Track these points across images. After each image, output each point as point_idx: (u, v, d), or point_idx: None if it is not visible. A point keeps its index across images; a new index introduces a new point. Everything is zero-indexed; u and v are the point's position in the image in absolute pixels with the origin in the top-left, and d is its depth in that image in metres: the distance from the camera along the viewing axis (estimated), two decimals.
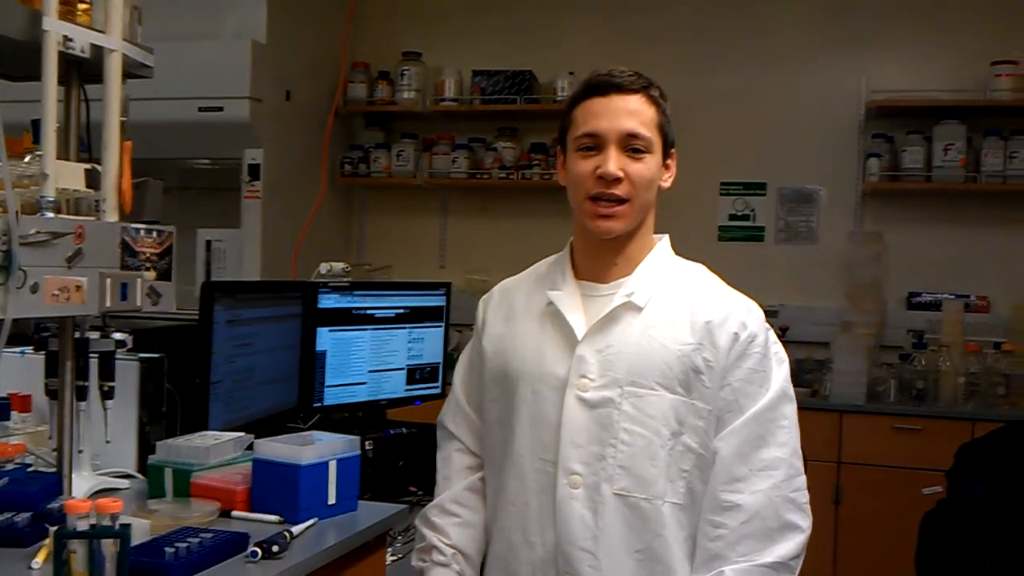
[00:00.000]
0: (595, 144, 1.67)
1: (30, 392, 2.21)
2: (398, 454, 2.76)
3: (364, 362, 2.83)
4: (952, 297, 4.66)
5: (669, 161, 1.73)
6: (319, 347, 2.70)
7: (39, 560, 1.55)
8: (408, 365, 2.95)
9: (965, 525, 2.61)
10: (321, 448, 1.96)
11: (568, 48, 5.13)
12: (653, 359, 1.65)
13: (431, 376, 3.03)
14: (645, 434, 1.63)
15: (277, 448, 1.93)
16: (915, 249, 4.72)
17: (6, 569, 1.56)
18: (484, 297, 1.91)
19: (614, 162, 1.64)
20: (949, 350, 4.35)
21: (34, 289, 1.60)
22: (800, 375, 4.77)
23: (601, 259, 1.73)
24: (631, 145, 1.66)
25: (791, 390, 1.71)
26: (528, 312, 1.78)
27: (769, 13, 4.94)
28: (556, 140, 1.79)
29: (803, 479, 1.67)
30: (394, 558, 2.23)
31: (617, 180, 1.64)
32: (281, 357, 2.61)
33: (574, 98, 1.72)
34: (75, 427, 1.92)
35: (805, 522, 1.65)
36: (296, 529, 1.81)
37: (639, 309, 1.68)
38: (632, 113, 1.66)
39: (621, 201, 1.66)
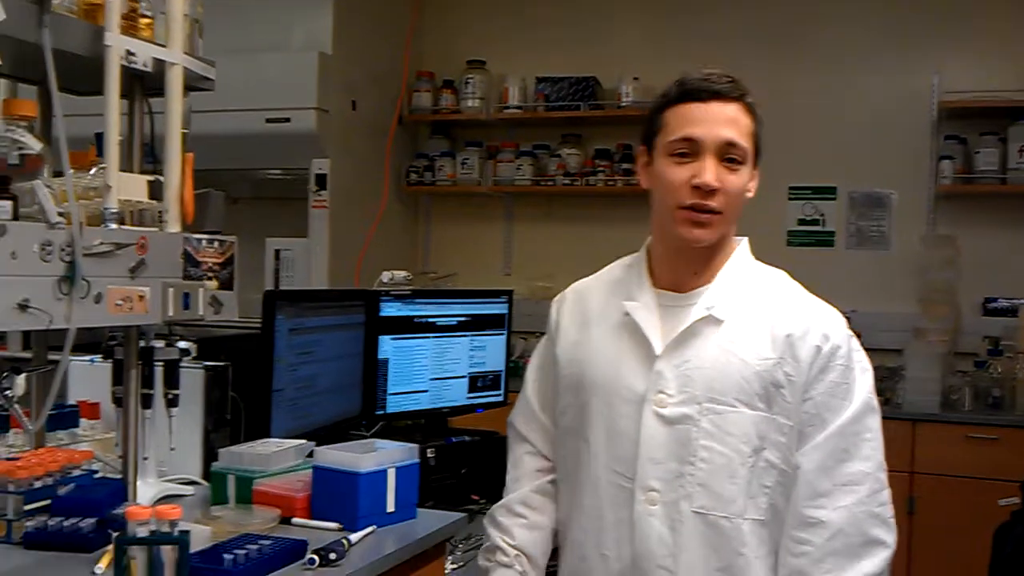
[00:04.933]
0: (691, 151, 1.60)
1: (99, 400, 2.25)
2: (460, 462, 2.76)
3: (426, 370, 2.84)
4: None
5: (756, 170, 1.68)
6: (381, 355, 2.72)
7: (102, 565, 1.59)
8: (470, 373, 2.96)
9: None
10: (380, 456, 1.97)
11: (631, 53, 5.10)
12: (732, 375, 1.60)
13: (493, 384, 3.03)
14: (724, 451, 1.59)
15: (337, 456, 1.95)
16: (990, 253, 4.60)
17: (71, 573, 1.60)
18: (557, 299, 1.86)
19: (712, 172, 1.58)
20: None
21: (97, 299, 1.64)
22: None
23: (681, 267, 1.68)
24: (728, 155, 1.60)
25: (875, 401, 1.65)
26: (603, 320, 1.73)
27: (837, 12, 4.86)
28: (641, 140, 1.71)
29: (888, 492, 1.63)
30: (455, 566, 2.23)
31: (713, 191, 1.59)
32: (344, 365, 2.63)
33: (667, 100, 1.65)
34: (140, 434, 1.96)
35: (890, 537, 1.61)
36: (354, 537, 1.82)
37: (719, 322, 1.63)
38: (731, 121, 1.61)
39: (715, 212, 1.61)
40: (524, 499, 1.82)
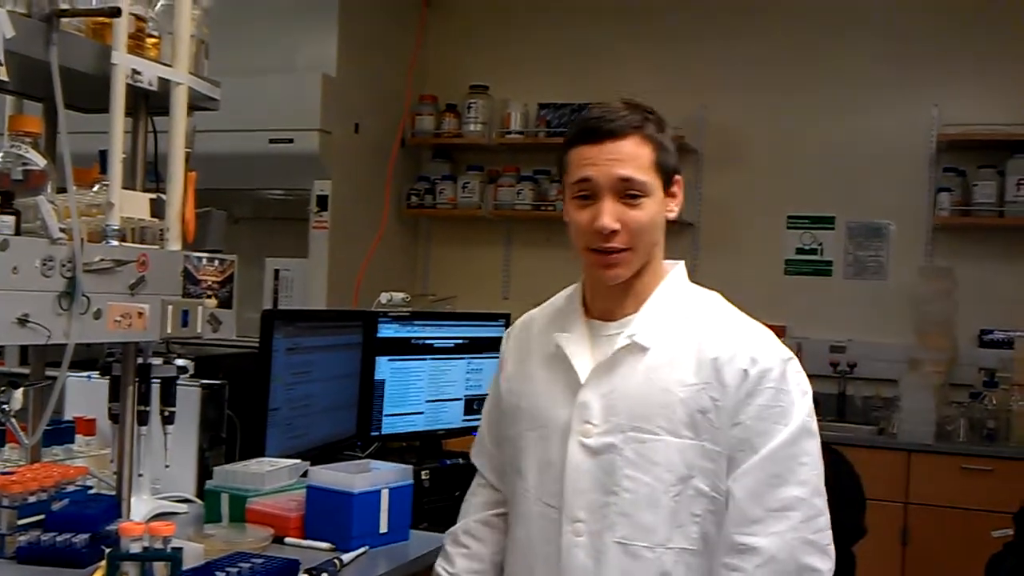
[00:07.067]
0: (590, 192, 1.60)
1: (95, 416, 2.26)
2: (454, 485, 2.76)
3: (422, 392, 2.84)
4: None
5: (674, 189, 1.66)
6: (378, 376, 2.72)
7: None
8: (466, 395, 2.96)
9: None
10: (374, 477, 1.98)
11: (633, 81, 5.12)
12: (656, 403, 1.59)
13: None
14: (648, 481, 1.57)
15: (330, 476, 1.95)
16: (987, 285, 4.61)
17: None
18: (508, 330, 1.89)
19: (608, 215, 1.58)
20: (1021, 389, 4.22)
21: (97, 315, 1.65)
22: (867, 413, 4.66)
23: (608, 297, 1.68)
24: (626, 192, 1.59)
25: (814, 424, 1.62)
26: (540, 352, 1.73)
27: (838, 45, 4.89)
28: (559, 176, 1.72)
29: (825, 519, 1.59)
30: None
31: (613, 232, 1.59)
32: (340, 385, 2.64)
33: (568, 140, 1.66)
34: (136, 451, 1.96)
35: (825, 564, 1.57)
36: (347, 557, 1.82)
37: (644, 350, 1.62)
38: (626, 159, 1.59)
39: (621, 250, 1.60)
40: (468, 528, 1.83)
